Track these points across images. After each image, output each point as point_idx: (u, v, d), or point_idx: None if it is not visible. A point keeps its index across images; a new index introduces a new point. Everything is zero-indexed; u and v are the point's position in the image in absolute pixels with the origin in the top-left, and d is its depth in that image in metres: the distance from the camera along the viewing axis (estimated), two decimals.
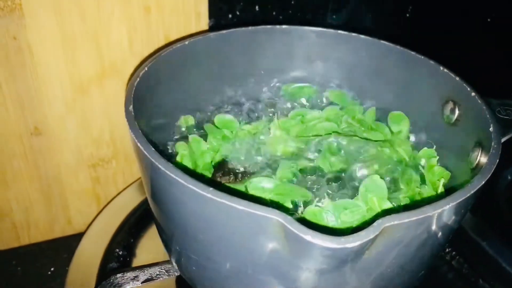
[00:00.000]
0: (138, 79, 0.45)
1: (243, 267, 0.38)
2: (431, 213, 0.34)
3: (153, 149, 0.37)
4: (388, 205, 0.43)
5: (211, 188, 0.34)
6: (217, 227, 0.36)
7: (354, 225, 0.41)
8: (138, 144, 0.38)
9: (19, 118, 0.59)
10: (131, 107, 0.41)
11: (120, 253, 0.56)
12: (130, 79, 0.46)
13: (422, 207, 0.34)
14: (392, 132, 0.56)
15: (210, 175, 0.50)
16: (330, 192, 0.48)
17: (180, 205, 0.38)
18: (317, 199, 0.44)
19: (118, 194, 0.65)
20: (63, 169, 0.66)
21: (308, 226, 0.32)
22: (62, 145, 0.64)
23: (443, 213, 0.35)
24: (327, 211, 0.42)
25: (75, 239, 0.59)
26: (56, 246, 0.70)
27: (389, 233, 0.33)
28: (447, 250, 0.57)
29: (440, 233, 0.37)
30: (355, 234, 0.31)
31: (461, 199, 0.35)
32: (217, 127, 0.56)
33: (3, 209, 0.65)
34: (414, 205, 0.45)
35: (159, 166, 0.36)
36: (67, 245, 0.69)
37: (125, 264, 0.55)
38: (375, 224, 0.32)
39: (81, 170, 0.67)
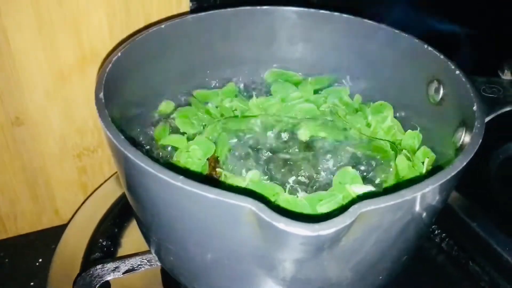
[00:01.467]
0: (110, 65, 0.43)
1: (219, 257, 0.37)
2: (409, 197, 0.33)
3: (123, 138, 0.36)
4: (364, 189, 0.42)
5: (181, 177, 0.32)
6: (191, 217, 0.35)
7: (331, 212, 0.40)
8: (108, 133, 0.36)
9: None
10: (101, 94, 0.40)
11: (104, 243, 0.55)
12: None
13: (400, 190, 0.33)
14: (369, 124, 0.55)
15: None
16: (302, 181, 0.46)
17: (153, 195, 0.36)
18: (288, 186, 0.43)
19: (102, 184, 0.64)
20: (48, 159, 0.65)
21: (283, 213, 0.30)
22: (45, 135, 0.63)
23: (422, 196, 0.33)
24: (303, 203, 0.41)
25: (63, 229, 0.59)
26: (44, 237, 0.69)
27: (366, 218, 0.32)
28: (436, 232, 0.56)
29: (421, 217, 0.36)
30: (329, 221, 0.30)
31: (441, 181, 0.34)
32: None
33: None
34: (395, 187, 0.44)
35: (129, 155, 0.34)
36: (55, 236, 0.67)
37: (110, 255, 0.54)
38: (350, 209, 0.31)
39: (66, 160, 0.66)
